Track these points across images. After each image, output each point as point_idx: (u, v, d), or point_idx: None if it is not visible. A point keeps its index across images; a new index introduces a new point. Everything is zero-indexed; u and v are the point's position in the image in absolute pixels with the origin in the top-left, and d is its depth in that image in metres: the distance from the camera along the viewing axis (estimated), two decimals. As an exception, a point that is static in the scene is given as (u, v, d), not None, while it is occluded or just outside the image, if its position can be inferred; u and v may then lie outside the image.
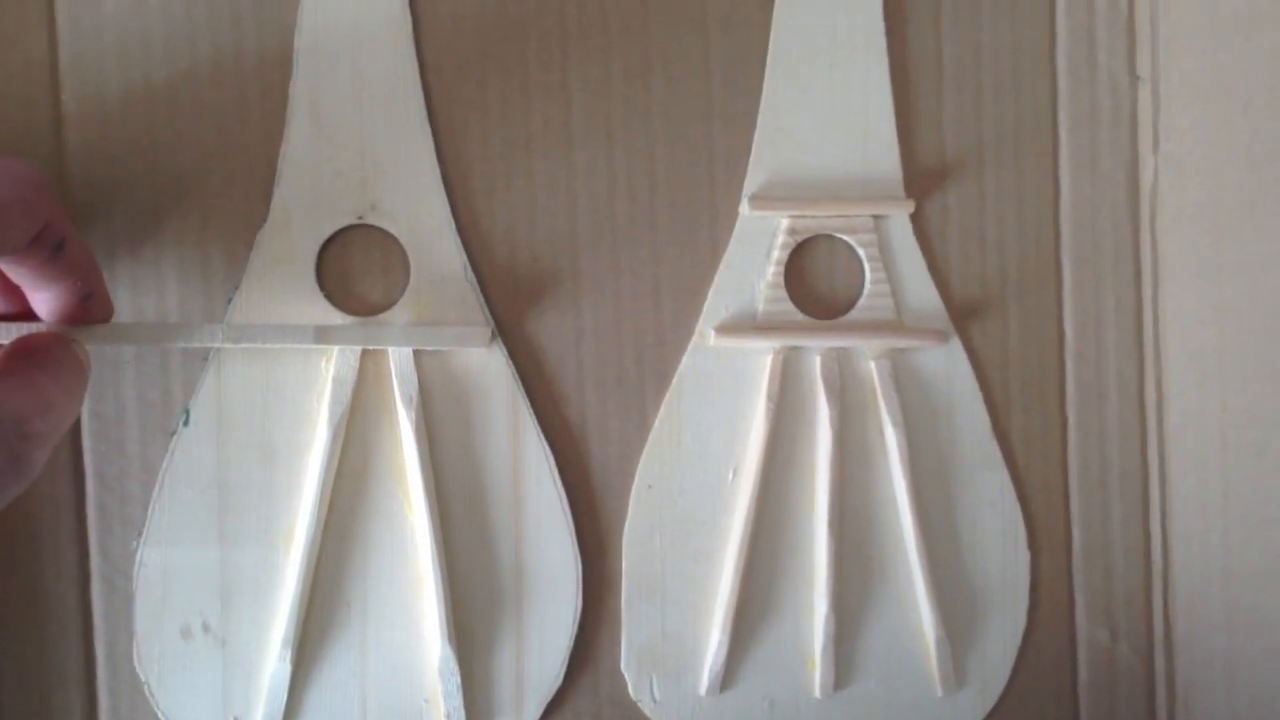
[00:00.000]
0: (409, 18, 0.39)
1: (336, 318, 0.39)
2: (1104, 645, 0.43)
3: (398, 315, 0.39)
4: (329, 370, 0.38)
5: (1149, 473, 0.43)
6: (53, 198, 0.31)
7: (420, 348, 0.39)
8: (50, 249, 0.31)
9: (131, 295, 0.39)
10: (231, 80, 0.39)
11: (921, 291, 0.41)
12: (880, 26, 0.41)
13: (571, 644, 0.40)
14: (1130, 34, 0.42)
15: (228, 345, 0.36)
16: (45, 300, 0.33)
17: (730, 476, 0.41)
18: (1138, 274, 0.43)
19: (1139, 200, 0.42)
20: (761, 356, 0.41)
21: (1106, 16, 0.42)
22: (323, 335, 0.37)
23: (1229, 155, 0.39)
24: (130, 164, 0.39)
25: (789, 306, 0.41)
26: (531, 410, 0.40)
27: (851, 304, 0.41)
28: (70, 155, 0.38)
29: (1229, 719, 0.40)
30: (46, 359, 0.31)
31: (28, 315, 0.34)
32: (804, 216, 0.41)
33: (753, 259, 0.41)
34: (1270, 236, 0.38)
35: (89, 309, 0.34)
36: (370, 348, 0.38)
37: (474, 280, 0.39)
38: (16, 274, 0.32)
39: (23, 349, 0.32)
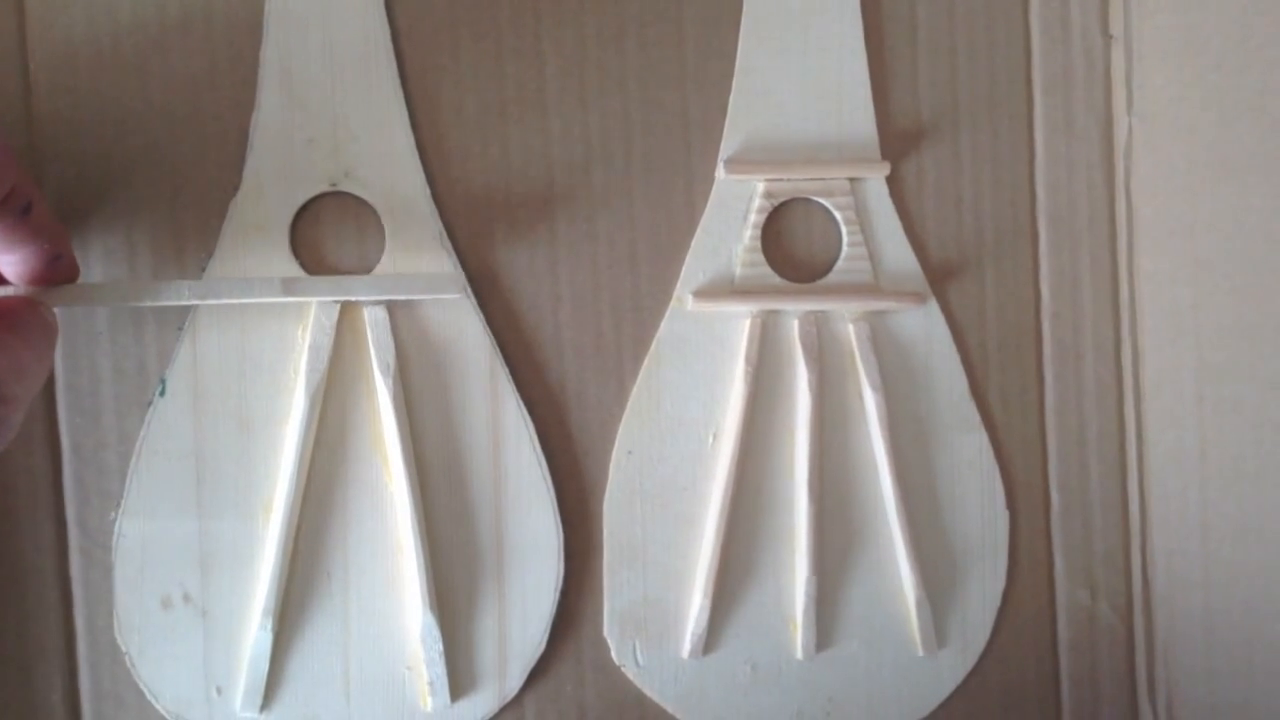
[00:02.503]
0: (380, -18, 0.39)
1: (311, 285, 0.38)
2: (1083, 603, 0.43)
3: (374, 283, 0.39)
4: (305, 338, 0.38)
5: (1126, 431, 0.43)
6: (19, 162, 0.31)
7: (391, 298, 0.38)
8: (18, 212, 0.31)
9: (104, 265, 0.38)
10: (201, 47, 0.38)
11: (898, 254, 0.41)
12: (854, -13, 0.41)
13: (554, 610, 0.40)
14: (1103, -7, 0.42)
15: (195, 302, 0.36)
16: (12, 264, 0.33)
17: (710, 441, 0.41)
18: (1113, 233, 0.43)
19: (1113, 159, 0.43)
20: (739, 321, 0.41)
21: (1079, -25, 0.42)
22: (289, 287, 0.37)
23: (1202, 113, 0.39)
24: (101, 133, 0.38)
25: (766, 270, 0.41)
26: (510, 377, 0.40)
27: (829, 267, 0.41)
28: (40, 126, 0.38)
29: (1208, 675, 0.41)
30: (17, 322, 0.31)
31: None
32: (780, 180, 0.41)
33: (729, 223, 0.41)
34: (1243, 193, 0.38)
35: (57, 270, 0.34)
36: (340, 300, 0.38)
37: (450, 247, 0.39)
38: None
39: None
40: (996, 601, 0.42)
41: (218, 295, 0.36)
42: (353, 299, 0.38)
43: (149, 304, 0.36)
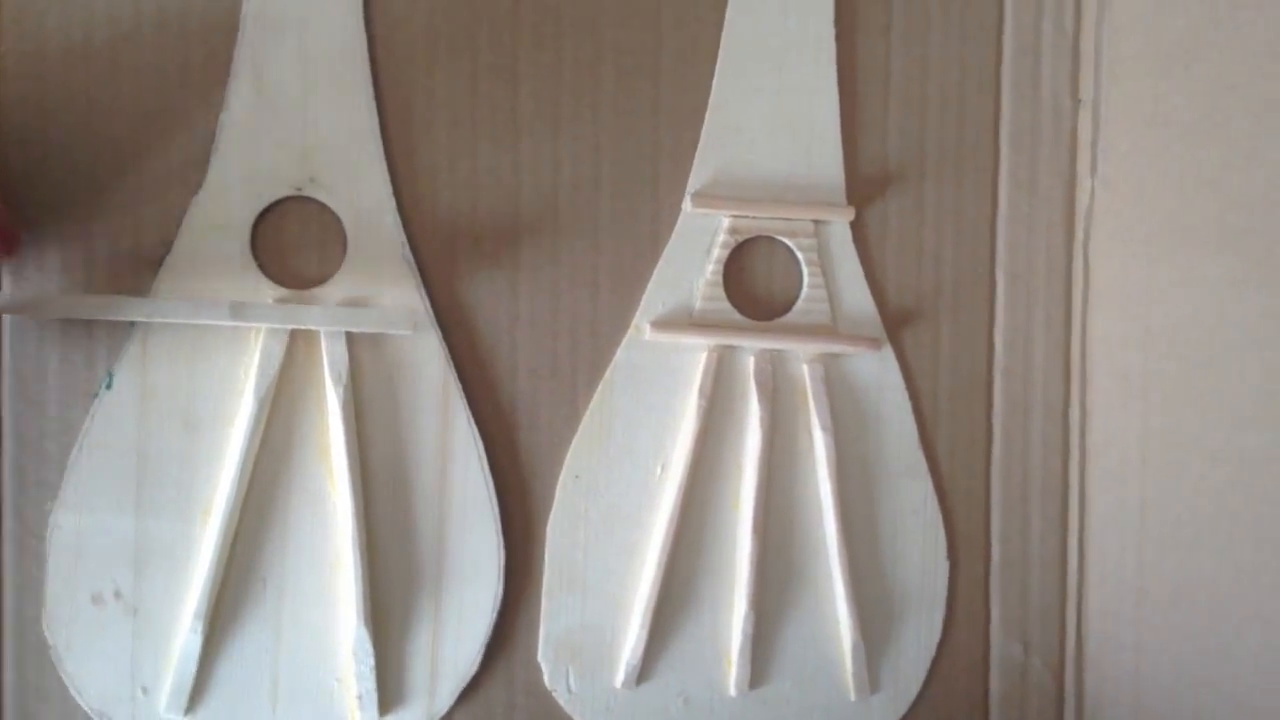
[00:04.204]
0: (360, -9, 0.39)
1: (268, 289, 0.38)
2: (1016, 658, 0.43)
3: (331, 291, 0.39)
4: (257, 342, 0.38)
5: (1069, 490, 0.43)
6: None
7: (342, 329, 0.38)
8: None
9: (60, 256, 0.38)
10: (175, 42, 0.38)
11: (857, 298, 0.42)
12: (830, 33, 0.41)
13: (490, 631, 0.40)
14: (1074, 57, 0.43)
15: (142, 319, 0.36)
16: None
17: (658, 471, 0.41)
18: (1068, 293, 0.43)
19: (1074, 221, 0.43)
20: (696, 353, 0.41)
21: (1052, 39, 0.43)
22: (238, 312, 0.37)
23: (1163, 182, 0.40)
24: (66, 121, 0.38)
25: (726, 305, 0.41)
26: (463, 394, 0.40)
27: (788, 306, 0.41)
28: (5, 110, 0.38)
29: (1135, 736, 0.41)
30: None
31: None
32: (746, 217, 0.41)
33: (693, 256, 0.41)
34: (1198, 264, 0.38)
35: None
36: (287, 327, 0.38)
37: (411, 260, 0.39)
38: None
39: None
40: (931, 650, 0.42)
41: (165, 315, 0.36)
42: (299, 327, 0.38)
43: (96, 318, 0.36)
